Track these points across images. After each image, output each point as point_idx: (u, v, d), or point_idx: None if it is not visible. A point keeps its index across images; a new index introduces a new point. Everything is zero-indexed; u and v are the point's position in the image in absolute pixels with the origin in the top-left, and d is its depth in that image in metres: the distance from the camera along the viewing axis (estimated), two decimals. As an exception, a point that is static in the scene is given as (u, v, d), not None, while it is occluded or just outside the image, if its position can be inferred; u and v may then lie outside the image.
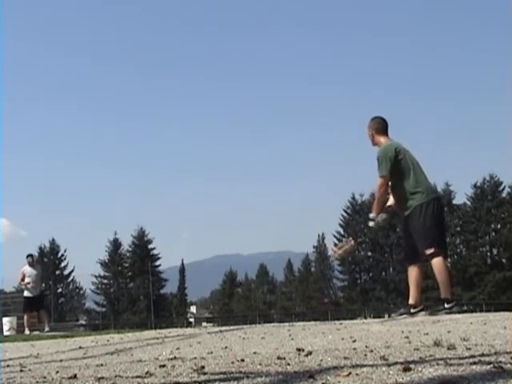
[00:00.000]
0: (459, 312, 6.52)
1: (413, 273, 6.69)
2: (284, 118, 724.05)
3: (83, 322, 57.04)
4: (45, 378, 2.86)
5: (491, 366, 2.18)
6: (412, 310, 6.53)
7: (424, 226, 6.45)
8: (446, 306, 6.38)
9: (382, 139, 6.76)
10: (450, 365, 2.28)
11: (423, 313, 6.48)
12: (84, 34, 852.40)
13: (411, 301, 6.62)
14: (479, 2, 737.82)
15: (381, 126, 6.85)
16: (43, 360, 4.12)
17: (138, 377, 2.62)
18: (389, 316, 6.94)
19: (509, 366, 2.16)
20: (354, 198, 57.90)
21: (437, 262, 6.37)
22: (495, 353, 2.62)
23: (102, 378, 2.65)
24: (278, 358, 2.99)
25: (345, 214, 57.64)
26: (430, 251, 6.35)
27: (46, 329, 13.65)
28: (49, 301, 51.85)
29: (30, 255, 14.04)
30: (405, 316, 6.44)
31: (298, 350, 3.37)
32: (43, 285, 14.96)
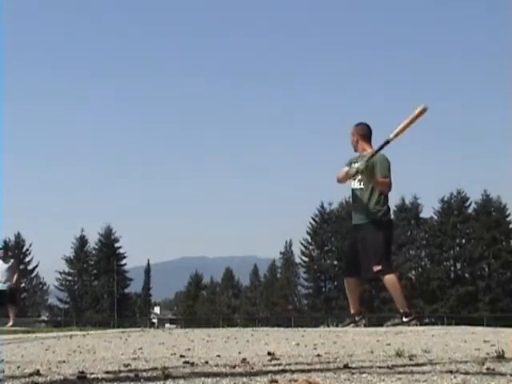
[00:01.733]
0: (421, 324, 6.66)
1: (350, 284, 6.93)
2: (253, 120, 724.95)
3: (45, 318, 56.38)
4: (6, 373, 2.83)
5: (452, 377, 2.22)
6: (356, 318, 6.79)
7: (380, 242, 6.61)
8: (404, 319, 6.52)
9: (366, 147, 6.79)
10: (412, 374, 2.31)
11: (363, 321, 6.76)
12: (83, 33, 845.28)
13: (353, 310, 6.87)
14: (479, 4, 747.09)
15: (367, 133, 6.87)
16: (4, 355, 4.07)
17: (103, 373, 2.61)
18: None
19: (468, 377, 2.20)
20: (322, 206, 58.14)
21: (389, 279, 6.56)
22: (456, 365, 2.66)
23: (65, 374, 2.63)
24: (242, 361, 3.00)
25: (313, 222, 57.80)
26: (377, 268, 6.53)
27: (10, 323, 13.45)
28: (21, 296, 51.15)
29: (0, 248, 13.91)
30: (352, 325, 6.71)
31: (262, 354, 3.39)
32: (15, 280, 14.60)
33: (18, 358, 3.75)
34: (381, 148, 6.52)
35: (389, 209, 6.78)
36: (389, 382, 2.16)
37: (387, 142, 6.45)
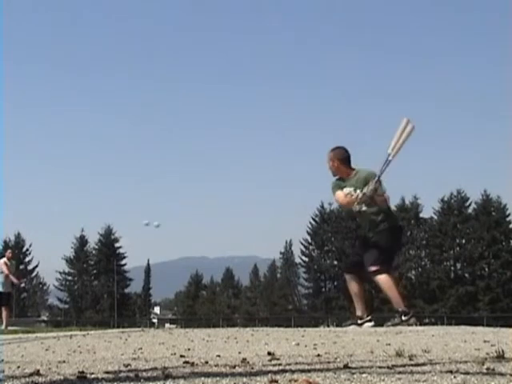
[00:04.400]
0: (421, 324, 6.66)
1: (353, 286, 6.92)
2: (252, 120, 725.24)
3: (45, 318, 56.42)
4: (6, 373, 2.83)
5: (452, 377, 2.22)
6: (359, 321, 6.74)
7: (383, 246, 6.67)
8: (403, 318, 6.54)
9: (348, 170, 6.74)
10: (412, 374, 2.32)
11: (369, 324, 6.65)
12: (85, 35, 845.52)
13: (358, 312, 6.84)
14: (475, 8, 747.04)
15: (346, 156, 6.81)
16: (4, 355, 4.07)
17: (103, 373, 2.61)
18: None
19: (468, 377, 2.20)
20: (322, 206, 58.12)
21: (381, 279, 6.57)
22: (456, 365, 2.66)
23: (65, 374, 2.64)
24: (242, 361, 3.00)
25: (313, 222, 57.80)
26: (373, 268, 6.56)
27: (2, 327, 13.33)
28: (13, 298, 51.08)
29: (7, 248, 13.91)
30: (353, 327, 6.62)
31: (262, 354, 3.39)
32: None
33: (18, 358, 3.76)
34: (383, 171, 6.55)
35: (392, 215, 6.83)
36: (389, 382, 2.16)
37: (388, 162, 6.50)
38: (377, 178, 6.46)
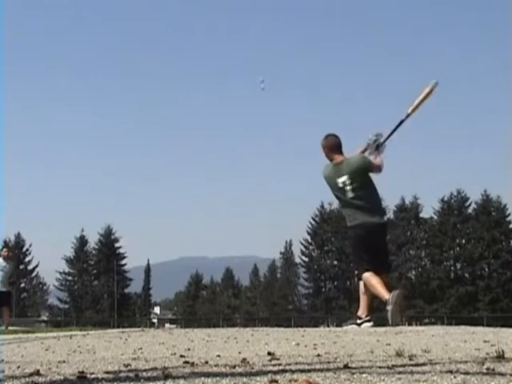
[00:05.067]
0: (421, 324, 6.72)
1: (363, 285, 6.90)
2: (251, 119, 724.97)
3: (45, 318, 56.38)
4: (6, 373, 2.83)
5: (452, 377, 2.22)
6: (358, 321, 6.74)
7: (351, 250, 6.91)
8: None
9: (336, 156, 6.71)
10: (412, 374, 2.32)
11: (369, 324, 6.64)
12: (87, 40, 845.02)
13: (359, 312, 6.86)
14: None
15: (335, 144, 6.77)
16: (4, 355, 4.07)
17: (103, 373, 2.61)
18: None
19: (468, 377, 2.20)
20: (322, 206, 58.08)
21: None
22: (456, 365, 2.66)
23: (65, 374, 2.63)
24: (242, 361, 3.00)
25: (313, 222, 57.79)
26: (356, 272, 6.90)
27: (2, 327, 13.31)
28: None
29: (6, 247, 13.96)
30: (352, 326, 6.64)
31: (262, 354, 3.38)
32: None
33: (18, 358, 3.76)
34: (396, 128, 6.80)
35: (348, 218, 6.80)
36: (389, 382, 2.16)
37: (402, 121, 6.78)
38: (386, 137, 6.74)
